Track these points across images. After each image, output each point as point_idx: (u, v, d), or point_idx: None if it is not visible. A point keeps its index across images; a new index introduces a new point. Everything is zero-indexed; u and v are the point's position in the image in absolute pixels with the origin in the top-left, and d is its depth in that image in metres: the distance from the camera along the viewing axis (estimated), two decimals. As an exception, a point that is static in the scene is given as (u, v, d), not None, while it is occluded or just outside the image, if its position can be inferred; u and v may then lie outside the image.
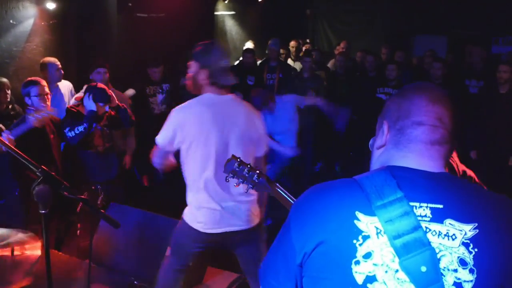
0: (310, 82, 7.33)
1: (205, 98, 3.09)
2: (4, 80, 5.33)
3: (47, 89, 4.52)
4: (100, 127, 4.67)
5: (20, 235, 2.18)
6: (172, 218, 3.90)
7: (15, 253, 2.08)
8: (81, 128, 4.40)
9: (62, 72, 5.72)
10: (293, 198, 2.17)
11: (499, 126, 5.85)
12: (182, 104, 3.10)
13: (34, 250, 2.12)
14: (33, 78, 4.61)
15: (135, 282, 3.68)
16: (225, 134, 3.04)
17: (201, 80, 3.07)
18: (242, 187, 2.28)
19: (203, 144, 3.02)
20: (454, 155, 2.41)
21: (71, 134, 4.42)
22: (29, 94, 4.44)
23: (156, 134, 3.11)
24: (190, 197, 3.17)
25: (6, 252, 2.07)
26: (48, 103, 4.51)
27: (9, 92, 5.30)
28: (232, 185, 2.70)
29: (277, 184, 2.22)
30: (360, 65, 8.63)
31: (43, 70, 5.62)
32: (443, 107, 1.41)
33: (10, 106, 5.37)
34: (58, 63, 5.68)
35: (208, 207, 3.09)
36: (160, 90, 6.71)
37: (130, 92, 6.57)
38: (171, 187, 7.03)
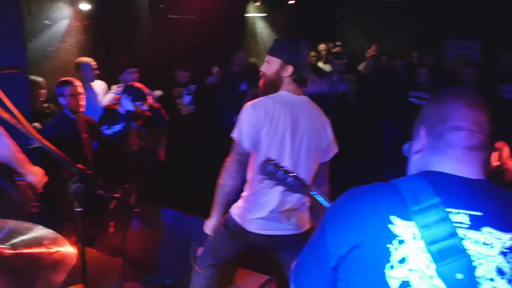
0: (339, 85, 7.29)
1: (283, 96, 2.99)
2: (40, 79, 5.43)
3: (80, 89, 4.58)
4: (137, 126, 4.72)
5: (51, 232, 2.19)
6: (204, 219, 3.92)
7: (50, 250, 2.10)
8: (119, 127, 4.45)
9: (95, 72, 5.79)
10: (329, 202, 2.16)
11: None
12: (258, 100, 2.96)
13: (67, 246, 2.13)
14: (67, 78, 4.68)
15: (166, 281, 3.70)
16: (299, 137, 2.96)
17: (284, 77, 2.98)
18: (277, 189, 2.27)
19: (277, 145, 2.93)
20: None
21: (109, 132, 4.47)
22: (63, 94, 4.51)
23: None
24: (249, 196, 3.07)
25: (42, 249, 2.09)
26: (82, 102, 4.57)
27: (44, 91, 5.39)
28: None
29: (312, 188, 2.21)
30: (386, 69, 8.55)
31: (77, 70, 5.71)
32: (481, 112, 1.40)
33: (45, 105, 5.47)
34: (94, 63, 5.76)
35: (269, 209, 3.02)
36: (186, 92, 6.75)
37: (157, 93, 6.63)
38: (202, 187, 7.09)
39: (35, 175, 3.15)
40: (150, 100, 4.76)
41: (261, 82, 3.08)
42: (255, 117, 2.88)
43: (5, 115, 2.03)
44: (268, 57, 3.03)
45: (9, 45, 4.79)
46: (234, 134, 2.93)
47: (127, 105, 4.57)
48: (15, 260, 2.00)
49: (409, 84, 7.24)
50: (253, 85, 7.21)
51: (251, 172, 3.02)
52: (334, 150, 3.17)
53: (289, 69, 2.95)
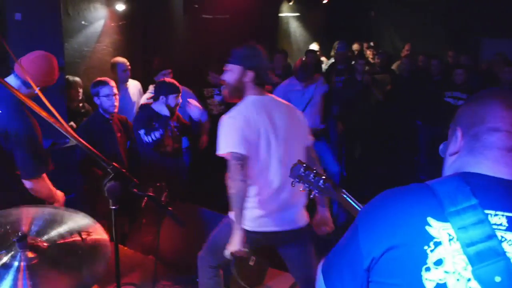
0: (362, 86, 7.29)
1: (253, 101, 3.11)
2: (77, 79, 5.52)
3: (115, 90, 4.64)
4: (171, 127, 4.76)
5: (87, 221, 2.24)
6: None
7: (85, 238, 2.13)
8: (157, 135, 4.50)
9: (129, 73, 5.86)
10: (359, 205, 2.14)
11: None
12: (233, 111, 3.08)
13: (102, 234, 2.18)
14: (102, 78, 4.75)
15: (197, 279, 3.73)
16: (280, 133, 3.09)
17: (247, 82, 3.11)
18: (307, 192, 2.26)
19: (263, 147, 3.04)
20: None
21: (147, 139, 4.53)
22: (98, 94, 4.58)
23: (215, 134, 3.11)
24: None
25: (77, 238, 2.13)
26: (116, 103, 4.63)
27: (81, 90, 5.49)
28: (288, 186, 2.80)
29: (343, 190, 2.20)
30: (422, 69, 8.43)
31: (112, 70, 5.79)
32: None
33: (81, 104, 5.56)
34: (127, 63, 5.82)
35: (264, 208, 3.12)
36: (218, 92, 6.80)
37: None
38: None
39: (59, 201, 3.29)
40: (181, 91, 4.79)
41: (225, 91, 3.21)
42: (238, 125, 2.98)
43: (43, 114, 2.08)
44: (229, 66, 3.16)
45: (47, 45, 4.88)
46: (221, 151, 2.99)
47: (162, 110, 4.63)
48: (54, 251, 2.05)
49: (445, 84, 7.13)
50: None
51: None
52: (310, 134, 3.34)
53: (251, 74, 3.09)
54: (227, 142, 2.98)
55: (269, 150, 3.06)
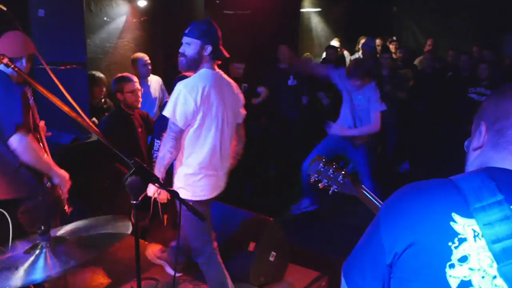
0: (389, 80, 7.18)
1: (208, 73, 3.36)
2: (102, 76, 5.57)
3: (138, 85, 4.67)
4: None
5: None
6: (255, 213, 3.94)
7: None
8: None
9: (150, 67, 5.89)
10: (380, 201, 2.13)
11: None
12: (190, 80, 3.32)
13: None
14: (125, 74, 4.79)
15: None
16: (227, 107, 3.39)
17: (204, 56, 3.35)
18: (327, 188, 2.25)
19: (212, 116, 3.30)
20: None
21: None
22: (122, 89, 4.62)
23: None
24: (189, 169, 3.36)
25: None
26: (140, 99, 4.66)
27: (104, 88, 5.53)
28: (227, 153, 3.43)
29: (363, 186, 2.18)
30: (451, 64, 8.33)
31: (133, 65, 5.83)
32: None
33: (103, 100, 5.61)
34: (146, 58, 5.84)
35: (211, 175, 3.38)
36: (242, 90, 6.79)
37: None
38: (254, 183, 7.13)
39: (61, 178, 3.32)
40: None
41: (182, 62, 3.43)
42: (189, 96, 3.20)
43: (65, 109, 2.10)
44: (188, 39, 3.41)
45: (70, 42, 4.95)
46: (167, 113, 3.23)
47: None
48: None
49: (470, 80, 7.05)
50: (299, 79, 7.29)
51: (189, 147, 3.35)
52: (243, 111, 3.65)
53: (209, 49, 3.35)
54: (173, 111, 3.21)
55: (217, 122, 3.32)
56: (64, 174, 3.37)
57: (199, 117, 3.24)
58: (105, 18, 6.20)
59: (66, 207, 3.47)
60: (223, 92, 3.39)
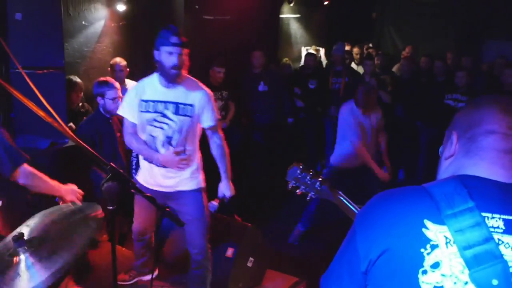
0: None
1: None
2: (79, 81, 5.52)
3: (120, 93, 4.67)
4: None
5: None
6: (234, 219, 3.93)
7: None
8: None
9: (126, 72, 5.86)
10: (356, 207, 2.14)
11: None
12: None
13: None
14: (107, 79, 4.77)
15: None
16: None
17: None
18: (304, 194, 2.25)
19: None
20: None
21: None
22: (104, 95, 4.60)
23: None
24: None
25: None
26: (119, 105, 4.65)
27: (81, 94, 5.49)
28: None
29: (340, 192, 2.19)
30: (424, 70, 8.43)
31: (110, 70, 5.80)
32: None
33: (80, 104, 5.56)
34: (123, 63, 5.82)
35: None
36: (220, 97, 6.82)
37: None
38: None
39: (70, 194, 3.26)
40: None
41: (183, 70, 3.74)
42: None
43: (41, 114, 2.07)
44: (186, 51, 3.72)
45: (47, 46, 4.89)
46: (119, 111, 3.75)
47: None
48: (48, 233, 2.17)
49: (446, 86, 7.13)
50: (270, 85, 7.29)
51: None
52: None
53: None
54: (122, 107, 3.72)
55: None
56: (71, 187, 3.30)
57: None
58: (83, 22, 6.14)
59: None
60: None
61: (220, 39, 7.68)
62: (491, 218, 1.26)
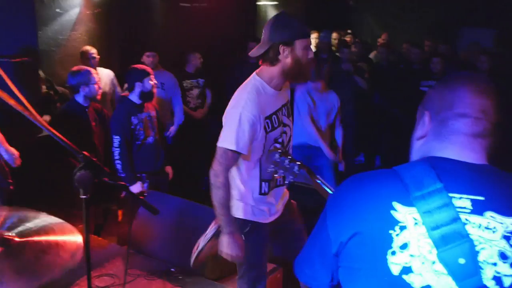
0: (348, 74, 7.23)
1: None
2: (40, 74, 5.43)
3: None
4: (150, 117, 4.72)
5: (58, 221, 2.25)
6: (211, 207, 3.92)
7: (56, 238, 2.14)
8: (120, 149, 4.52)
9: (97, 60, 5.82)
10: (332, 190, 2.15)
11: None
12: None
13: (75, 235, 2.18)
14: (87, 67, 4.73)
15: (172, 269, 3.71)
16: None
17: None
18: (282, 178, 2.26)
19: None
20: None
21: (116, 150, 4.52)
22: (88, 82, 4.56)
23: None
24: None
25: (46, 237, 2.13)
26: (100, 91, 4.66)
27: (43, 86, 5.43)
28: None
29: (318, 176, 2.20)
30: (405, 57, 8.47)
31: (82, 59, 5.74)
32: (488, 99, 1.38)
33: (52, 93, 5.48)
34: (93, 51, 5.78)
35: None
36: (197, 84, 6.79)
37: None
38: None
39: (11, 154, 3.25)
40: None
41: None
42: None
43: (11, 102, 2.03)
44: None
45: (20, 34, 4.82)
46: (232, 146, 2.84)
47: (135, 98, 4.61)
48: (24, 249, 2.04)
49: (422, 73, 7.18)
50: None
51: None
52: None
53: None
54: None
55: None
56: (14, 151, 3.30)
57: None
58: (57, 10, 6.06)
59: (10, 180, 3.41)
60: None
61: (197, 26, 7.63)
62: (458, 199, 1.28)
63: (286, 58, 2.77)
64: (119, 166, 4.45)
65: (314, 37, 9.37)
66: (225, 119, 2.76)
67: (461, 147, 1.37)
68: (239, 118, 2.66)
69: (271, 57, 2.78)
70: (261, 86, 2.82)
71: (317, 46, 8.85)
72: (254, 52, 2.84)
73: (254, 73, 2.92)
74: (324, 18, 10.47)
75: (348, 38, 9.97)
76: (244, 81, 2.93)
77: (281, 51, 2.74)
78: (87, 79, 4.56)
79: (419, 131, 1.49)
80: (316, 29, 9.59)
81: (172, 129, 6.26)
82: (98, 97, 4.72)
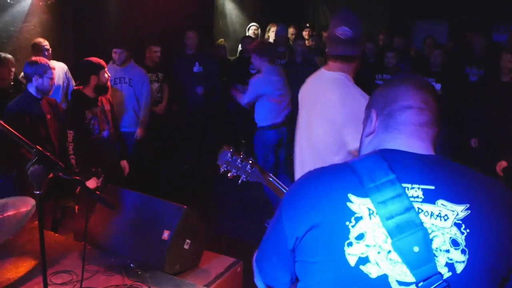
0: (302, 67, 7.27)
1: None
2: (9, 56, 5.27)
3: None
4: (104, 111, 4.64)
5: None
6: (169, 201, 3.89)
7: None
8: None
9: (49, 52, 5.69)
10: (286, 188, 2.17)
11: (500, 114, 5.80)
12: None
13: (27, 206, 2.15)
14: (41, 59, 4.61)
15: (131, 265, 3.67)
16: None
17: None
18: (235, 177, 2.26)
19: None
20: None
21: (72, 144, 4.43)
22: (42, 74, 4.45)
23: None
24: None
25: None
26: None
27: (13, 69, 5.26)
28: None
29: (270, 174, 2.23)
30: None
31: (33, 51, 5.59)
32: (428, 93, 1.46)
33: (12, 84, 5.33)
34: (46, 43, 5.66)
35: None
36: (156, 78, 6.73)
37: None
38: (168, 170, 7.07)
39: None
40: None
41: None
42: None
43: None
44: None
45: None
46: None
47: (89, 92, 4.53)
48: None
49: (377, 67, 7.27)
50: (205, 66, 7.19)
51: None
52: None
53: None
54: None
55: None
56: None
57: None
58: (8, 0, 5.88)
59: None
60: None
61: (154, 19, 7.51)
62: (411, 189, 1.32)
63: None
64: (73, 161, 4.36)
65: (272, 31, 9.38)
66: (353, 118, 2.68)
67: (409, 136, 1.43)
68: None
69: (357, 56, 2.94)
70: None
71: (275, 40, 8.86)
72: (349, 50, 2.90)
73: (330, 70, 2.96)
74: (280, 11, 10.49)
75: (306, 32, 10.01)
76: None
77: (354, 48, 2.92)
78: (42, 71, 4.45)
79: (367, 128, 1.55)
80: (273, 22, 9.60)
81: (138, 132, 6.15)
82: (50, 93, 4.60)
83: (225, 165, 2.24)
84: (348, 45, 2.88)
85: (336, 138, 2.75)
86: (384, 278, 1.28)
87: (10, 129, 2.00)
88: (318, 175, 1.44)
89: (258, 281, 1.60)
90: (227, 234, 5.45)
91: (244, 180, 2.23)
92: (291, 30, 9.85)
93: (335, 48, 2.90)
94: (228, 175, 2.24)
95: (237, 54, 9.03)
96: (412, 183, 1.33)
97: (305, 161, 2.98)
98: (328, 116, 2.78)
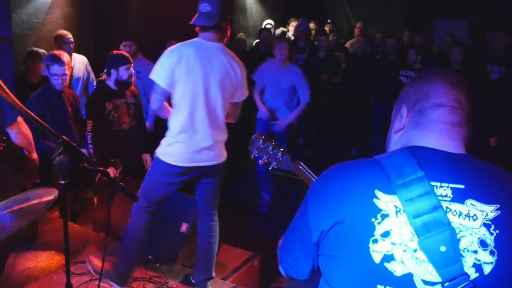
0: (326, 62, 7.26)
1: (196, 42, 3.47)
2: (42, 51, 5.30)
3: (66, 69, 4.51)
4: (126, 103, 4.65)
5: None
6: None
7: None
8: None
9: (73, 46, 5.69)
10: (316, 177, 2.16)
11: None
12: (174, 46, 3.45)
13: (50, 196, 2.18)
14: (56, 53, 4.57)
15: (149, 257, 3.70)
16: (211, 77, 3.38)
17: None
18: (266, 164, 2.26)
19: (191, 85, 3.34)
20: None
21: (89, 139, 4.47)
22: (48, 69, 4.46)
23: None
24: (176, 136, 3.42)
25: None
26: (64, 83, 4.55)
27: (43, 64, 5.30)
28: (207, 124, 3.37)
29: (301, 163, 2.21)
30: (378, 47, 8.50)
31: (56, 43, 5.61)
32: (462, 91, 1.41)
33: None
34: (69, 36, 5.65)
35: (182, 142, 3.41)
36: None
37: None
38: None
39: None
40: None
41: None
42: (171, 59, 3.32)
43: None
44: None
45: (-7, 16, 4.72)
46: (151, 75, 3.34)
47: (112, 84, 4.54)
48: None
49: (400, 63, 7.22)
50: None
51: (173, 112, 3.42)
52: (245, 94, 3.63)
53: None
54: (156, 71, 3.34)
55: (196, 89, 3.36)
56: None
57: (175, 81, 3.31)
58: (32, -8, 5.93)
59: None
60: (211, 63, 3.40)
61: (173, 13, 7.52)
62: (439, 187, 1.30)
63: None
64: (91, 150, 4.39)
65: (292, 25, 9.35)
66: None
67: (440, 135, 1.39)
68: None
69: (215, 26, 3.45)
70: None
71: (294, 35, 8.82)
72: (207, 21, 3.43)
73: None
74: (302, 7, 10.45)
75: (327, 27, 9.97)
76: None
77: None
78: (48, 65, 4.45)
79: (396, 124, 1.51)
80: (294, 17, 9.58)
81: (147, 125, 6.14)
82: (62, 88, 4.59)
83: (256, 151, 2.24)
84: (206, 18, 3.40)
85: None
86: (409, 277, 1.27)
87: (39, 119, 2.02)
88: (345, 168, 1.42)
89: (281, 268, 1.60)
90: (245, 228, 5.45)
91: (275, 167, 2.23)
92: (311, 25, 9.82)
93: (196, 19, 3.47)
94: (260, 161, 2.25)
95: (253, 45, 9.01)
96: (441, 182, 1.30)
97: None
98: None
